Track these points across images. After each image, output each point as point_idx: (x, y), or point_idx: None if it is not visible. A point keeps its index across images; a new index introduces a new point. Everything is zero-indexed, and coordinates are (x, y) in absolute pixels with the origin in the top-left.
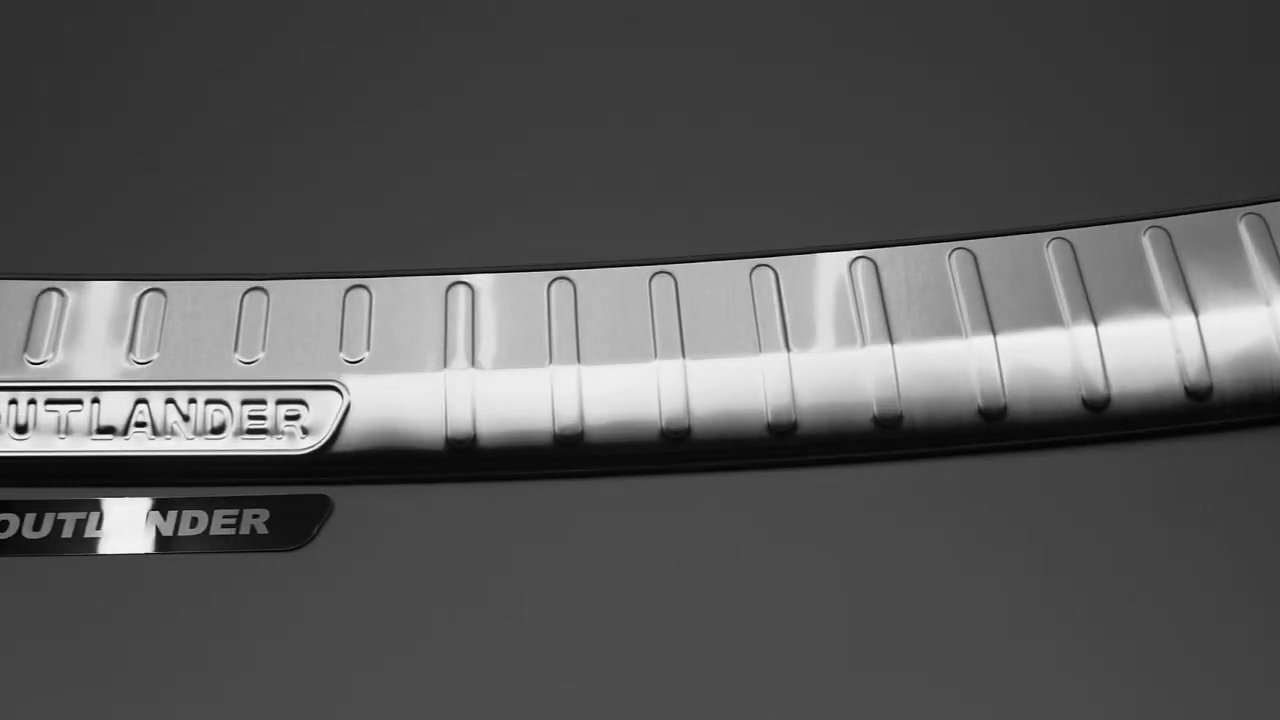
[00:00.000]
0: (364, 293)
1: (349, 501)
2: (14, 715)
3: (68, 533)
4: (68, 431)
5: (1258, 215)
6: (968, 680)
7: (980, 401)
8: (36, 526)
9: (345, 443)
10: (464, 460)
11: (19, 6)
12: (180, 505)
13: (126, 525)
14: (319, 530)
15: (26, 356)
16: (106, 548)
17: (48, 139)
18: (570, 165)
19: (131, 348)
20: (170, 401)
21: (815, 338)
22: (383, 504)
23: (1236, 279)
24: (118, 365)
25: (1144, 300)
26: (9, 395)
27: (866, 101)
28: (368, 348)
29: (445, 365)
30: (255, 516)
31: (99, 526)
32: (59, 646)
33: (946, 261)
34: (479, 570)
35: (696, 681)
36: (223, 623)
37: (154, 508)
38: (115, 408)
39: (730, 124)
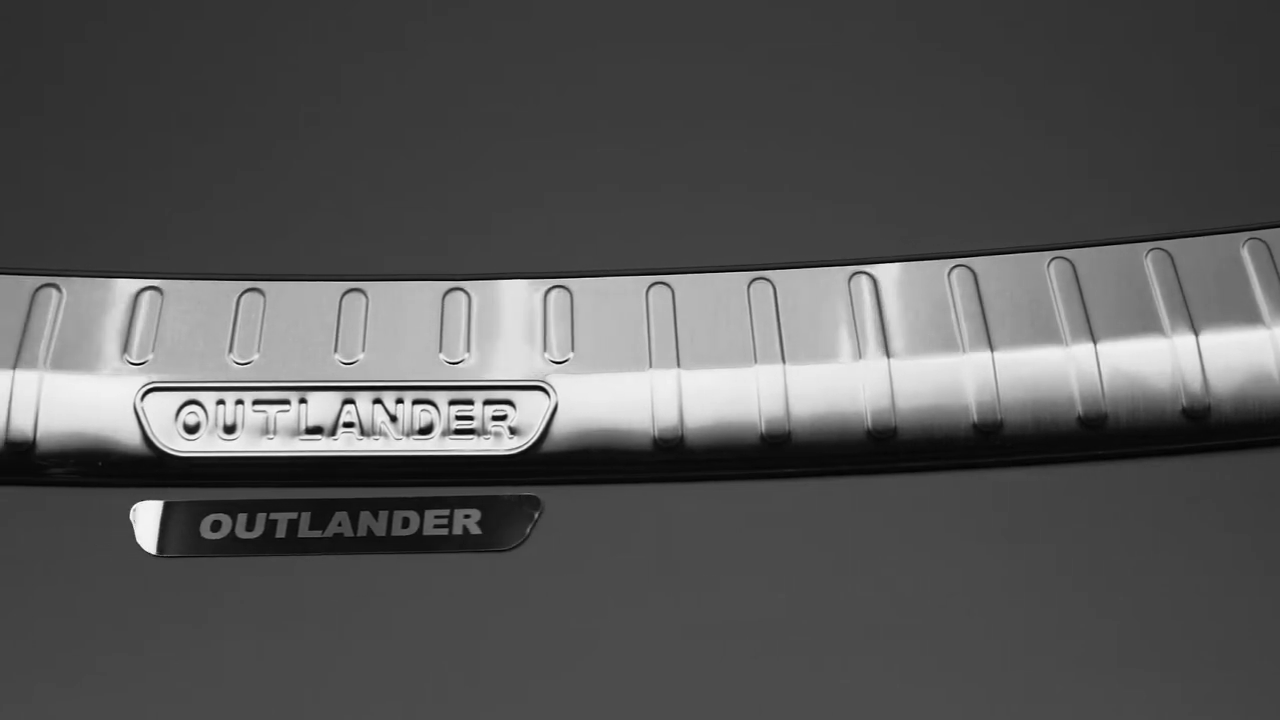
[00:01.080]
0: (564, 293)
1: (557, 501)
2: (240, 714)
3: (281, 533)
4: (275, 432)
5: None
6: (1182, 685)
7: (1184, 401)
8: (250, 527)
9: (553, 443)
10: (671, 460)
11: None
12: (391, 505)
13: (338, 526)
14: (532, 530)
15: (231, 357)
16: (320, 548)
17: (235, 147)
18: (760, 166)
19: (336, 348)
20: (378, 402)
21: (1017, 337)
22: (591, 504)
23: None
24: (323, 365)
25: None
26: (216, 395)
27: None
28: (572, 348)
29: (650, 365)
30: (467, 517)
31: (311, 526)
32: (273, 646)
33: (1144, 261)
34: (688, 569)
35: (914, 679)
36: (443, 622)
37: (364, 508)
38: (323, 408)
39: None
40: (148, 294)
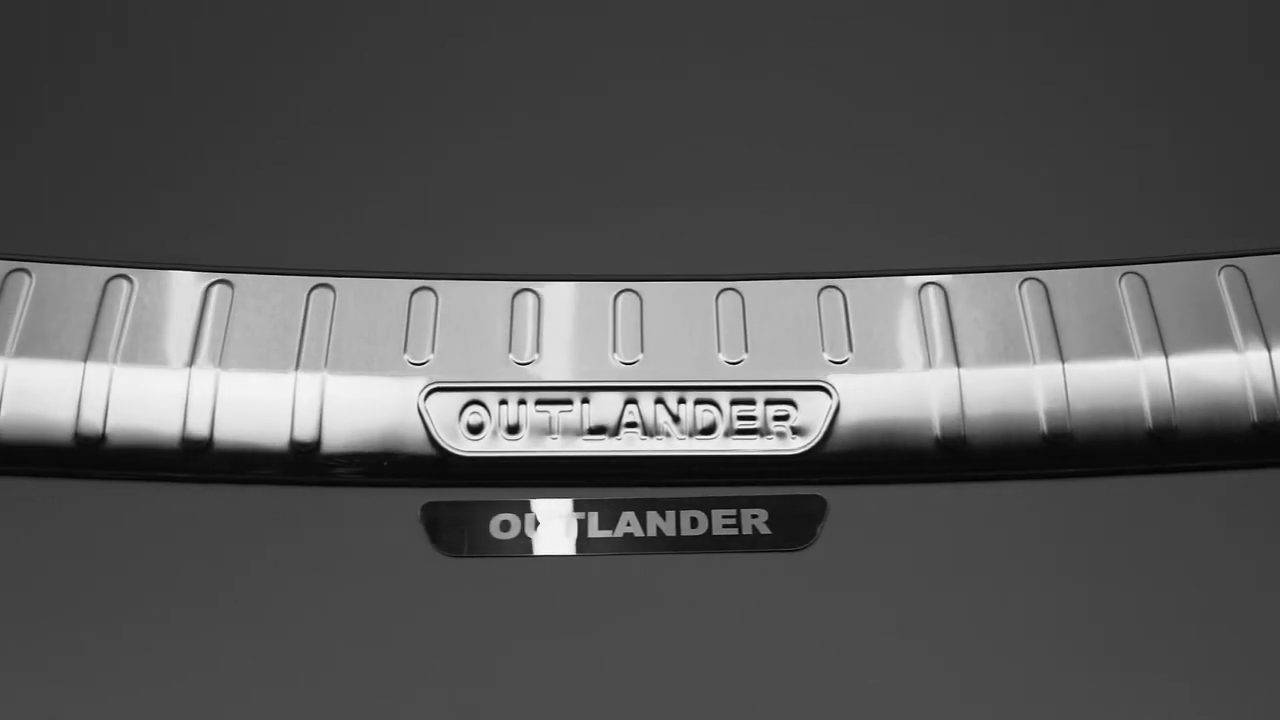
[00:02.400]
0: (837, 294)
1: (840, 500)
2: (537, 714)
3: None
4: (558, 432)
5: None
6: None
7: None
8: (539, 527)
9: (836, 442)
10: (954, 459)
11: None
12: (678, 505)
13: (626, 525)
14: (821, 530)
15: (511, 357)
16: (611, 548)
17: (505, 153)
18: (1021, 165)
19: (614, 348)
20: (659, 402)
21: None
22: (874, 503)
23: None
24: (602, 365)
25: None
26: (498, 395)
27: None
28: (850, 348)
29: (930, 364)
30: (754, 517)
31: (600, 526)
32: (568, 647)
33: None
34: (975, 568)
35: (1218, 676)
36: (739, 621)
37: (651, 508)
38: (605, 408)
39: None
40: (422, 294)
